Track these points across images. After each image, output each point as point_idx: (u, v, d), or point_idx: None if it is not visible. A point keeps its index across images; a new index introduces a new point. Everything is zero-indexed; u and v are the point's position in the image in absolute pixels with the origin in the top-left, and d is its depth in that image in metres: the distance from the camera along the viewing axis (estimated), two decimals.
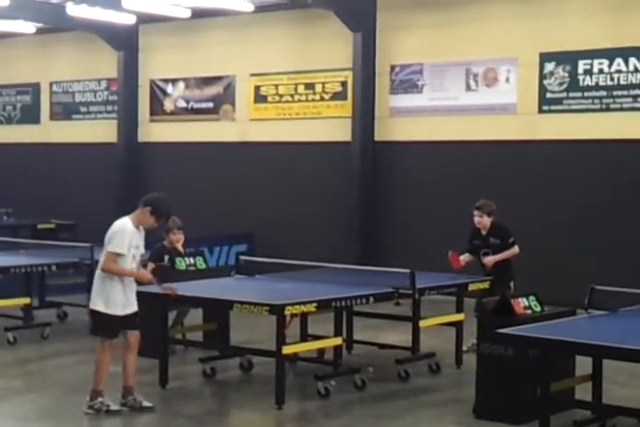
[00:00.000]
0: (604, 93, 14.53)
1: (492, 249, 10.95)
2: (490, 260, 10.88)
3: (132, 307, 8.48)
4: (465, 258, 11.08)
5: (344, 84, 17.09)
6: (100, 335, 8.44)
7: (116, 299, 8.30)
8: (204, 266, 11.38)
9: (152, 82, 19.84)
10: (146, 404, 8.57)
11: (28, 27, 20.11)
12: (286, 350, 8.72)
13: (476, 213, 11.09)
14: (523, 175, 15.25)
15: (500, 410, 8.11)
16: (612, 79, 14.45)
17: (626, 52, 14.33)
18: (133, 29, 19.56)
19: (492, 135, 15.53)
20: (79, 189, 20.43)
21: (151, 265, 11.08)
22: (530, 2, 15.17)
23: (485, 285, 10.58)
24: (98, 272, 8.40)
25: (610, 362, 7.71)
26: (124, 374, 8.58)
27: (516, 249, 10.99)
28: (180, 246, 11.43)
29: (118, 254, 8.25)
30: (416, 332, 10.00)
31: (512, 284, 10.82)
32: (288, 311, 8.56)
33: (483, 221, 11.06)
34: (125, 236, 8.35)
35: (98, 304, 8.31)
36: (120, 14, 17.68)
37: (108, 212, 19.66)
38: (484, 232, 11.08)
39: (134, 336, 8.51)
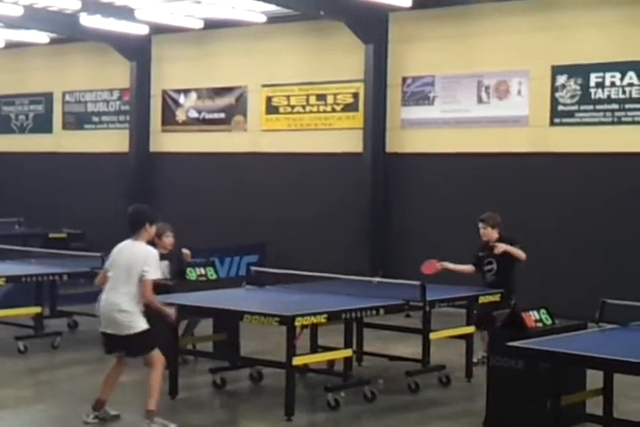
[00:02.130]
0: (615, 106, 14.52)
1: (496, 260, 10.85)
2: (500, 245, 10.74)
3: None
4: (458, 267, 11.02)
5: (356, 95, 17.11)
6: (153, 349, 8.28)
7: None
8: (214, 276, 11.38)
9: (164, 92, 19.90)
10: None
11: (42, 37, 20.21)
12: (296, 361, 8.71)
13: (480, 225, 11.09)
14: (534, 188, 15.23)
15: (510, 424, 8.07)
16: (623, 92, 14.44)
17: (638, 66, 14.32)
18: (146, 40, 19.63)
19: (503, 147, 15.53)
20: (91, 198, 20.47)
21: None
22: (542, 14, 15.18)
23: (496, 297, 10.55)
24: (126, 293, 8.17)
25: (621, 376, 7.68)
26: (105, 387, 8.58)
27: (523, 253, 10.88)
28: (185, 254, 11.41)
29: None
30: (426, 344, 9.97)
31: (514, 297, 10.72)
32: (298, 322, 8.56)
33: (487, 233, 11.03)
34: (157, 260, 8.32)
35: (141, 323, 8.20)
36: (133, 25, 17.78)
37: (119, 221, 19.71)
38: (491, 244, 11.03)
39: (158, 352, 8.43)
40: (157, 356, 8.28)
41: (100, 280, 8.53)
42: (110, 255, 8.57)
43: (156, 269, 8.20)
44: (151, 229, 8.51)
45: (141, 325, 8.16)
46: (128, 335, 8.13)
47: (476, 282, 11.07)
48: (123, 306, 8.13)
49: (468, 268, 11.11)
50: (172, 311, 8.65)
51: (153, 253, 8.30)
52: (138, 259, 8.21)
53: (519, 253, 10.74)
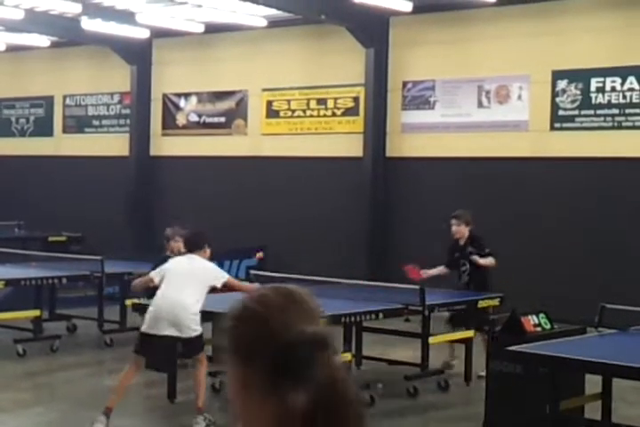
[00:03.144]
0: (616, 111, 14.53)
1: (468, 260, 10.88)
2: (477, 259, 10.73)
3: None
4: (435, 272, 11.03)
5: (356, 99, 17.12)
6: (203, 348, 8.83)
7: None
8: None
9: (165, 96, 19.91)
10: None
11: (43, 40, 20.23)
12: None
13: (453, 221, 11.11)
14: (534, 192, 15.23)
15: None
16: (624, 97, 14.45)
17: (638, 71, 14.33)
18: (147, 44, 19.64)
19: (503, 152, 15.53)
20: (91, 201, 20.47)
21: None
22: (542, 19, 15.19)
23: (495, 302, 10.56)
24: (195, 300, 8.72)
25: (620, 381, 7.68)
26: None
27: (493, 260, 10.90)
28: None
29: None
30: (425, 348, 9.98)
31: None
32: None
33: (460, 230, 11.04)
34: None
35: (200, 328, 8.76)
36: (134, 29, 17.80)
37: (119, 225, 19.81)
38: (461, 242, 11.05)
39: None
40: (203, 355, 8.82)
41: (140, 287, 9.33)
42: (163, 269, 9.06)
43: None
44: (207, 252, 9.09)
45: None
46: (190, 338, 8.65)
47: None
48: (192, 309, 8.65)
49: (442, 270, 11.14)
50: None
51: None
52: (208, 270, 8.94)
53: (490, 262, 10.71)
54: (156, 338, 8.59)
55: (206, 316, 9.66)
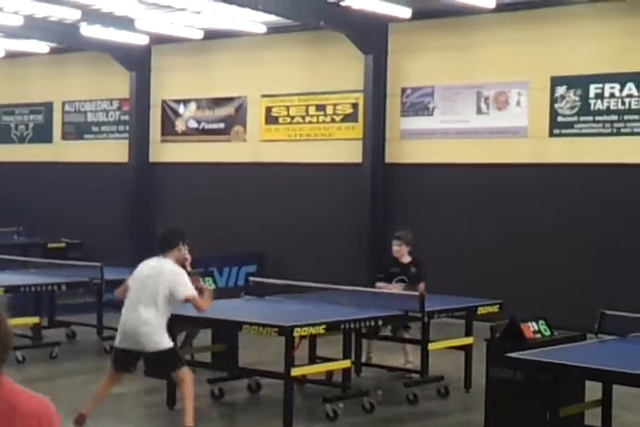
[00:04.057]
0: (615, 118, 14.54)
1: (409, 277, 11.11)
2: (423, 288, 10.82)
3: None
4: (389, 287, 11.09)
5: (355, 105, 17.13)
6: (181, 365, 8.34)
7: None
8: (213, 286, 11.35)
9: (164, 102, 19.92)
10: None
11: (42, 46, 20.24)
12: (295, 371, 8.71)
13: (395, 242, 11.37)
14: (533, 199, 15.24)
15: None
16: (623, 103, 14.46)
17: (637, 77, 14.34)
18: (146, 50, 19.66)
19: (502, 158, 15.54)
20: (90, 208, 20.46)
21: None
22: (541, 26, 15.20)
23: (495, 308, 10.57)
24: (155, 309, 8.23)
25: (620, 387, 7.67)
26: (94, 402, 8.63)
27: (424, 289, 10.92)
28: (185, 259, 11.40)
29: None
30: (425, 355, 9.97)
31: None
32: (297, 333, 8.56)
33: (401, 251, 11.31)
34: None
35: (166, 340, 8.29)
36: (133, 35, 17.81)
37: (118, 231, 19.80)
38: (403, 261, 11.28)
39: None
40: (182, 373, 8.27)
41: (122, 294, 8.66)
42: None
43: (188, 286, 8.32)
44: (181, 250, 8.57)
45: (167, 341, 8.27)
46: (155, 352, 8.20)
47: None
48: (154, 319, 8.22)
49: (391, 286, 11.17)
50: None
51: (179, 269, 8.40)
52: (169, 276, 8.30)
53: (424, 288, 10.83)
54: (127, 352, 8.29)
55: (205, 322, 9.67)
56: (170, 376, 8.53)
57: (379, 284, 11.17)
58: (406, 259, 11.30)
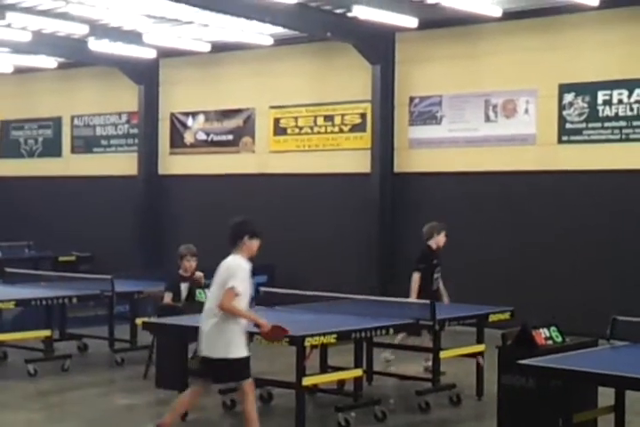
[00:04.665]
0: (623, 124, 14.52)
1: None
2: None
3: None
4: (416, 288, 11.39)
5: (363, 115, 17.15)
6: (239, 379, 7.88)
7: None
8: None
9: (172, 115, 19.98)
10: None
11: (50, 61, 20.34)
12: (306, 381, 8.69)
13: (445, 233, 11.82)
14: (542, 206, 15.21)
15: None
16: (631, 109, 14.44)
17: None
18: (154, 63, 19.74)
19: (511, 166, 15.53)
20: (100, 221, 20.52)
21: (168, 295, 11.11)
22: (548, 33, 15.21)
23: (506, 315, 10.54)
24: (212, 314, 7.80)
25: (632, 393, 7.63)
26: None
27: None
28: (198, 276, 11.41)
29: (237, 293, 7.69)
30: (436, 363, 9.95)
31: None
32: (308, 343, 8.55)
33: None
34: (245, 273, 7.83)
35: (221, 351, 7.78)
36: (141, 49, 17.88)
37: (128, 244, 19.83)
38: (437, 251, 11.81)
39: (250, 383, 7.95)
40: (245, 385, 7.90)
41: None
42: None
43: (238, 280, 7.71)
44: (250, 244, 8.08)
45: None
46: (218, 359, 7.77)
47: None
48: (212, 324, 7.81)
49: (418, 279, 11.48)
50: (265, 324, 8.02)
51: (236, 263, 7.85)
52: (224, 270, 7.82)
53: None
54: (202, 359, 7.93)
55: None
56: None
57: (416, 275, 11.39)
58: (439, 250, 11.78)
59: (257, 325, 7.94)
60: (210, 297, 8.00)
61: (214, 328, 7.77)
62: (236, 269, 7.77)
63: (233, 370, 7.80)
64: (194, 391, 8.20)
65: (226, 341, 7.73)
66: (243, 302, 7.80)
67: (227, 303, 7.65)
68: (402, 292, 14.53)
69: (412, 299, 11.17)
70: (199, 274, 11.40)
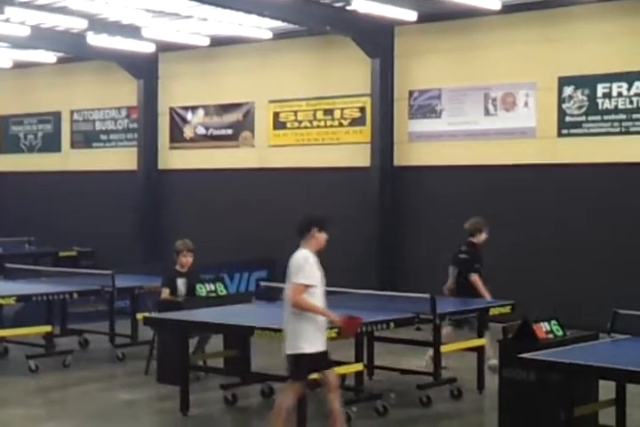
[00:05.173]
0: (623, 117, 14.51)
1: None
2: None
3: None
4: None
5: (363, 109, 17.14)
6: (300, 378, 7.79)
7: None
8: (224, 292, 11.39)
9: (172, 109, 19.97)
10: None
11: (49, 56, 20.31)
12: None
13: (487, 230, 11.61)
14: (542, 199, 15.21)
15: None
16: (631, 102, 14.43)
17: None
18: (153, 58, 19.72)
19: (511, 159, 15.52)
20: (100, 216, 20.52)
21: (165, 291, 11.12)
22: (548, 26, 15.18)
23: (507, 309, 10.55)
24: (287, 311, 7.75)
25: (634, 386, 7.64)
26: (332, 420, 7.78)
27: None
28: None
29: (308, 286, 7.60)
30: (437, 357, 9.95)
31: None
32: None
33: None
34: (313, 266, 7.68)
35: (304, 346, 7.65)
36: (140, 43, 17.86)
37: (129, 239, 19.83)
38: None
39: (334, 375, 7.89)
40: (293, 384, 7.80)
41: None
42: None
43: (307, 274, 7.59)
44: (318, 237, 7.82)
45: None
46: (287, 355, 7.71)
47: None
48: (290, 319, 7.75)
49: (479, 280, 11.30)
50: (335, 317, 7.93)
51: (304, 257, 7.68)
52: (294, 265, 7.70)
53: None
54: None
55: (217, 328, 9.67)
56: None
57: (475, 276, 11.28)
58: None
59: (329, 319, 7.83)
60: (285, 293, 7.90)
61: (289, 324, 7.74)
62: (303, 264, 7.65)
63: (302, 366, 7.68)
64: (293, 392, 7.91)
65: (297, 336, 7.65)
66: (316, 296, 7.71)
67: (295, 299, 7.60)
68: (402, 285, 14.57)
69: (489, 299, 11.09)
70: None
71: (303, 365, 7.67)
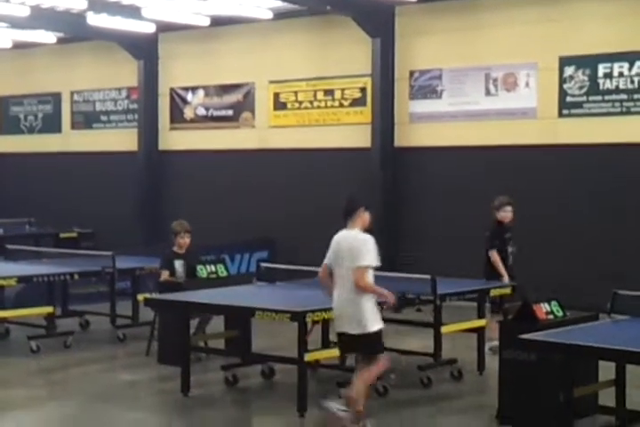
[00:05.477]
0: (624, 97, 14.47)
1: (513, 239, 11.49)
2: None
3: None
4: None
5: (363, 90, 17.09)
6: (375, 352, 7.97)
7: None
8: (225, 273, 11.39)
9: (172, 90, 19.91)
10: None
11: (49, 36, 20.23)
12: (308, 357, 8.71)
13: (509, 208, 11.50)
14: (543, 179, 15.20)
15: (522, 416, 8.05)
16: (632, 82, 14.39)
17: None
18: (153, 38, 19.64)
19: (512, 140, 15.49)
20: (101, 197, 20.51)
21: (165, 273, 11.12)
22: (548, 6, 15.13)
23: (507, 290, 10.56)
24: (347, 291, 7.86)
25: (633, 367, 7.66)
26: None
27: None
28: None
29: (369, 268, 7.82)
30: (438, 338, 9.96)
31: None
32: (309, 318, 8.57)
33: (511, 215, 11.53)
34: (373, 246, 7.95)
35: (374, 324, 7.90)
36: (140, 23, 17.80)
37: (129, 220, 19.83)
38: (508, 225, 11.51)
39: (385, 357, 8.10)
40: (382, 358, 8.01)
41: (324, 276, 8.18)
42: (329, 248, 8.16)
43: (373, 256, 7.87)
44: (364, 216, 8.17)
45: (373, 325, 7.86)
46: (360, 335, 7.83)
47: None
48: (352, 300, 7.84)
49: (496, 256, 11.25)
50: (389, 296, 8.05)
51: (366, 238, 7.97)
52: (354, 246, 7.88)
53: None
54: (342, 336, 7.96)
55: (217, 309, 9.69)
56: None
57: (493, 253, 11.21)
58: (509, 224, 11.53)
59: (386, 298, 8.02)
60: (341, 273, 7.96)
61: (350, 306, 7.85)
62: (365, 245, 7.88)
63: (370, 344, 7.90)
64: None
65: (364, 316, 7.82)
66: (371, 276, 7.93)
67: (362, 282, 7.78)
68: (403, 266, 14.57)
69: (504, 277, 11.02)
70: None
71: (378, 339, 7.93)
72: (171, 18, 17.53)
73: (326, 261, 8.17)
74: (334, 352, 9.80)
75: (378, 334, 7.94)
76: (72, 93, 21.68)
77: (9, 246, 14.37)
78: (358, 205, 8.18)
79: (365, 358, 8.05)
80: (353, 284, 7.82)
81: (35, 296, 12.39)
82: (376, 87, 16.62)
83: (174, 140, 19.97)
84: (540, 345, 7.34)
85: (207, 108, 19.39)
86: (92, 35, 19.10)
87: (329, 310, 8.69)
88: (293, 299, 9.66)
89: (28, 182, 21.92)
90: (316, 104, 17.75)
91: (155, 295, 10.51)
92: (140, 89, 20.09)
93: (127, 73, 20.25)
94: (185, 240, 11.34)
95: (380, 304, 8.19)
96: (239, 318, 10.26)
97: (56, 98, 21.99)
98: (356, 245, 7.89)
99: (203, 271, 11.18)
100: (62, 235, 18.38)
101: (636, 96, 14.34)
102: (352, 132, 17.23)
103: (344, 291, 7.92)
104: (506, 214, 11.48)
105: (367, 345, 7.95)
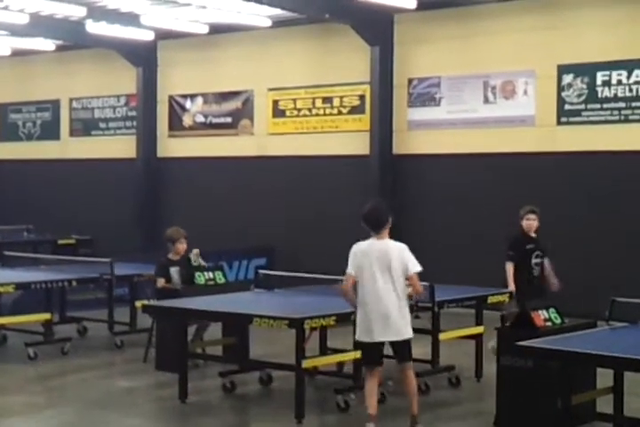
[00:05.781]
0: (622, 105, 14.49)
1: (543, 250, 11.03)
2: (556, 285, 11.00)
3: None
4: (511, 276, 10.82)
5: (362, 97, 17.11)
6: (410, 357, 8.29)
7: None
8: (223, 280, 11.38)
9: (171, 97, 19.93)
10: None
11: (48, 44, 20.26)
12: (306, 363, 8.70)
13: (532, 216, 11.03)
14: (541, 187, 15.19)
15: (520, 423, 8.05)
16: (630, 90, 14.41)
17: None
18: (152, 45, 19.68)
19: (510, 147, 15.51)
20: (99, 204, 20.51)
21: (160, 280, 11.10)
22: (547, 14, 15.16)
23: (505, 297, 10.54)
24: (396, 298, 8.01)
25: (631, 374, 7.65)
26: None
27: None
28: (195, 253, 11.37)
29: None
30: (435, 345, 9.96)
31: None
32: (307, 325, 8.56)
33: (536, 225, 11.05)
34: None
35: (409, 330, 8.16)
36: (139, 31, 17.84)
37: (128, 227, 19.83)
38: (532, 235, 11.03)
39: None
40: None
41: (351, 286, 8.30)
42: (354, 259, 8.42)
43: (415, 262, 8.15)
44: (389, 224, 8.31)
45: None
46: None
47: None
48: (399, 308, 8.01)
49: (511, 268, 10.87)
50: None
51: (404, 245, 8.23)
52: (398, 253, 8.15)
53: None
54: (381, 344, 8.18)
55: (215, 316, 9.67)
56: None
57: (508, 264, 10.80)
58: (533, 233, 11.08)
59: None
60: (385, 280, 8.05)
61: (400, 311, 8.03)
62: (408, 251, 8.19)
63: (410, 348, 8.24)
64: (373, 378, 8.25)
65: (408, 322, 8.12)
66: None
67: (421, 287, 8.14)
68: None
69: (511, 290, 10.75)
70: (196, 251, 11.36)
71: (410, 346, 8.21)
72: (169, 25, 17.57)
73: (352, 272, 8.31)
74: (332, 359, 9.82)
75: (410, 340, 8.24)
76: (71, 100, 21.70)
77: (7, 253, 14.36)
78: (389, 215, 8.28)
79: (403, 364, 8.26)
80: (402, 291, 8.02)
81: (32, 303, 12.37)
82: (375, 95, 16.64)
83: (173, 147, 19.98)
84: (537, 352, 7.32)
85: (206, 116, 19.41)
86: (90, 42, 19.12)
87: (327, 316, 8.70)
88: (291, 306, 9.65)
89: (26, 189, 21.92)
90: (314, 111, 17.77)
91: (153, 302, 10.49)
92: (138, 96, 20.11)
93: (126, 80, 20.27)
94: (184, 246, 11.36)
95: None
96: (237, 325, 10.26)
97: (55, 105, 22.01)
98: (402, 253, 8.15)
99: (201, 278, 11.16)
100: (60, 241, 18.37)
101: (634, 104, 14.37)
102: (351, 139, 17.25)
103: (391, 299, 7.99)
104: (529, 223, 11.00)
105: (410, 350, 8.25)
